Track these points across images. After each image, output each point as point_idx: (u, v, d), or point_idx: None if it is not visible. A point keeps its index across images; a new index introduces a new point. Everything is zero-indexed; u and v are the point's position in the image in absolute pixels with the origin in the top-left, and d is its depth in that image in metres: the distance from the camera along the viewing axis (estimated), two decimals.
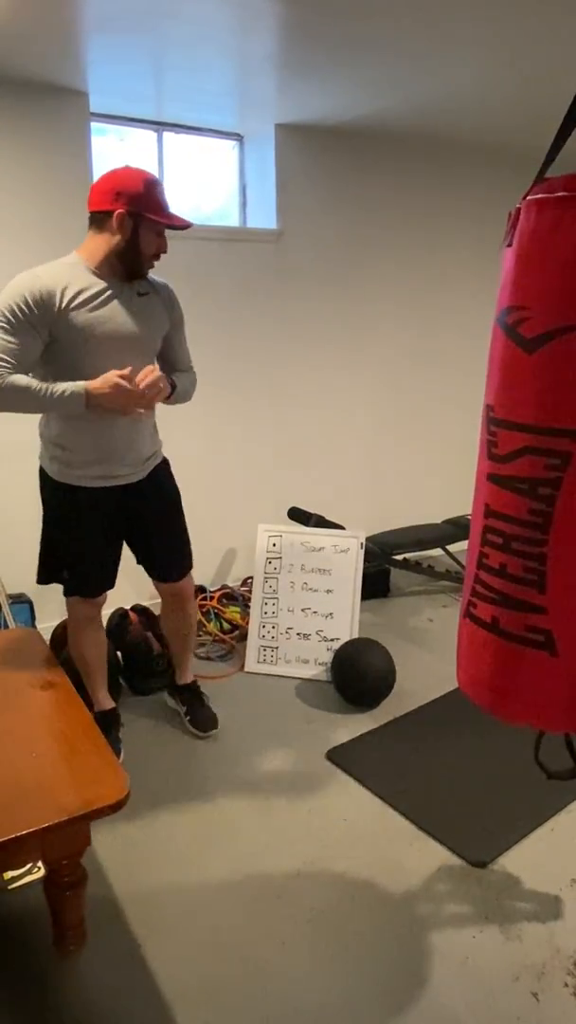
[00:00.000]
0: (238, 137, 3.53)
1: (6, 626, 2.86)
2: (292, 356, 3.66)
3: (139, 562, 2.36)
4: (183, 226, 2.00)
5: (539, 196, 1.27)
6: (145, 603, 3.18)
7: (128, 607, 3.03)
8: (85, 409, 1.94)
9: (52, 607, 3.09)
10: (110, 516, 2.20)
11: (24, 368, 1.93)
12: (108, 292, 1.99)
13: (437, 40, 2.36)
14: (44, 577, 2.29)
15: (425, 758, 2.39)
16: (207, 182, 3.56)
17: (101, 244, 1.98)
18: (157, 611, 3.21)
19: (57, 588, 3.09)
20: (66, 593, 2.29)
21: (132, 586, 2.87)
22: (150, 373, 1.99)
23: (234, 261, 3.39)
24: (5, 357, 1.89)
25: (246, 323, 3.48)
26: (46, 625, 3.03)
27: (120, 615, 2.97)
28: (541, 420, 1.33)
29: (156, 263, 2.06)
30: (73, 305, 1.93)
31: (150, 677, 2.74)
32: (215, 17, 2.17)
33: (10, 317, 1.89)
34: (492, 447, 1.41)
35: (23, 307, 1.89)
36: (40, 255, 2.88)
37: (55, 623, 2.99)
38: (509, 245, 1.36)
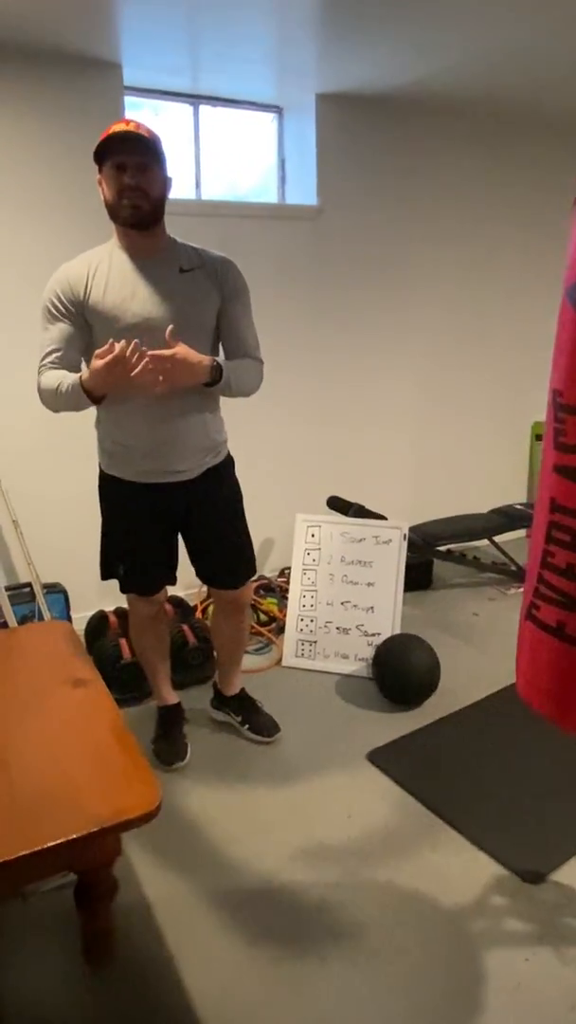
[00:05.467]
0: (277, 109, 3.39)
1: (40, 617, 2.81)
2: (332, 338, 3.53)
3: (192, 563, 2.23)
4: (120, 133, 1.75)
5: None
6: (180, 593, 3.11)
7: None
8: (91, 400, 1.82)
9: (87, 597, 3.04)
10: (160, 513, 2.08)
11: (70, 363, 1.90)
12: (140, 271, 1.88)
13: None
14: (104, 572, 2.19)
15: (472, 762, 2.27)
16: (245, 157, 3.43)
17: None
18: (192, 601, 3.15)
19: (92, 577, 3.06)
20: (122, 589, 2.19)
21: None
22: (170, 348, 1.76)
23: (272, 239, 3.26)
24: (42, 353, 1.91)
25: (284, 303, 3.36)
26: (81, 614, 2.99)
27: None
28: None
29: (137, 201, 1.80)
30: (100, 290, 1.87)
31: (184, 670, 2.67)
32: None
33: (46, 309, 1.90)
34: (560, 436, 1.27)
35: (55, 300, 1.89)
36: (72, 231, 2.82)
37: (90, 612, 2.95)
38: None
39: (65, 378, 1.84)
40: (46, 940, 1.68)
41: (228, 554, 2.19)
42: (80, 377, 1.80)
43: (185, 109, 3.19)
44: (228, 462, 2.15)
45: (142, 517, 2.08)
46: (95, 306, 1.87)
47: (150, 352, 1.73)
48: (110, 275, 1.88)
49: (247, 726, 2.42)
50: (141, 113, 3.12)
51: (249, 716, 2.43)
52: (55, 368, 1.88)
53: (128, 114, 2.89)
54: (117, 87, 2.81)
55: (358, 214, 3.44)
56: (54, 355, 1.89)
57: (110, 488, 2.09)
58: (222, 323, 2.01)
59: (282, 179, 3.47)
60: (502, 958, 1.63)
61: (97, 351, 1.72)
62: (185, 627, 2.77)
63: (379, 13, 2.34)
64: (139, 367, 1.71)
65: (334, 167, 3.32)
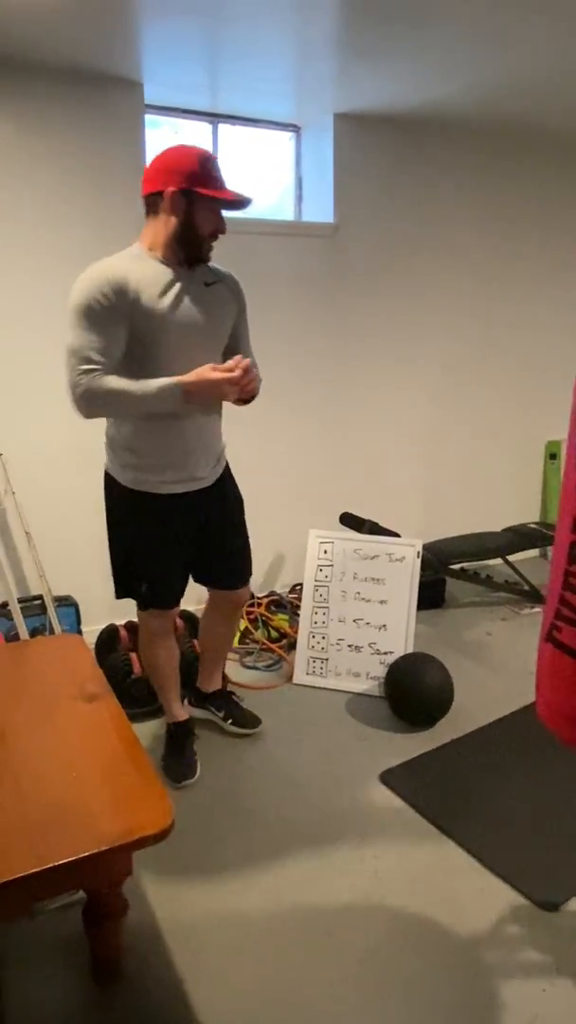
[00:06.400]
0: (295, 128, 3.42)
1: (51, 630, 2.80)
2: (347, 354, 3.53)
3: (199, 568, 2.24)
4: (238, 200, 1.86)
5: None
6: (191, 608, 3.09)
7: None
8: (182, 404, 1.86)
9: (98, 609, 3.03)
10: (187, 523, 2.09)
11: (114, 366, 1.84)
12: (177, 282, 1.89)
13: (517, 14, 2.20)
14: (122, 592, 2.16)
15: (487, 785, 2.23)
16: (262, 175, 3.45)
17: (159, 229, 1.88)
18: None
19: (103, 591, 3.04)
20: (143, 607, 2.16)
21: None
22: (242, 362, 1.86)
23: (289, 255, 3.28)
24: (94, 356, 1.79)
25: (300, 319, 3.37)
26: (92, 628, 2.98)
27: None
28: None
29: (215, 245, 1.94)
30: (147, 295, 1.84)
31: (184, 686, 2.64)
32: None
33: (92, 310, 1.79)
34: None
35: (101, 298, 1.78)
36: (91, 249, 2.81)
37: (101, 626, 2.93)
38: None
39: (146, 382, 1.82)
40: (54, 959, 1.65)
41: (238, 555, 2.24)
42: (180, 381, 1.82)
43: (204, 127, 3.22)
44: (228, 465, 2.23)
45: (172, 529, 2.07)
46: (145, 310, 1.83)
47: (243, 363, 1.86)
48: (152, 282, 1.86)
49: (230, 720, 2.46)
50: (161, 131, 3.15)
51: (231, 711, 2.48)
52: (106, 372, 1.81)
53: (148, 132, 2.91)
54: (138, 105, 2.83)
55: (374, 232, 3.45)
56: (101, 357, 1.80)
57: (137, 505, 2.04)
58: (232, 334, 2.10)
59: (299, 197, 3.49)
60: (518, 988, 1.59)
61: (215, 365, 1.86)
62: (196, 642, 2.75)
63: (396, 34, 2.36)
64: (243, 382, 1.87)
65: (351, 185, 3.34)
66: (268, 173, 3.47)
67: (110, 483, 2.08)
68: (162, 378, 1.84)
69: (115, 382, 1.81)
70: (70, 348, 1.80)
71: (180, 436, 1.96)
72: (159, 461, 1.98)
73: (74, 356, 1.79)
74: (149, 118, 2.96)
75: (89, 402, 1.81)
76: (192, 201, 1.83)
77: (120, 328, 1.82)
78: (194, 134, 3.22)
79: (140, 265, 1.87)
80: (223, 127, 3.24)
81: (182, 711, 2.39)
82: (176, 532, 2.08)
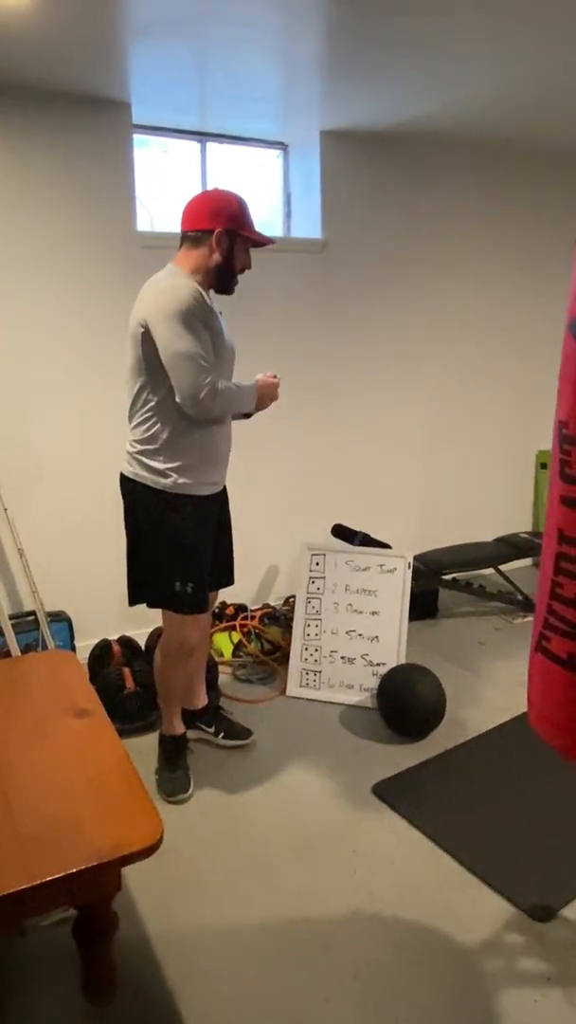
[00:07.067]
0: (282, 146, 3.46)
1: (44, 645, 2.80)
2: (337, 368, 3.56)
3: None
4: (269, 243, 2.13)
5: None
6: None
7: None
8: (254, 406, 2.14)
9: (91, 625, 3.03)
10: (215, 522, 2.23)
11: None
12: (214, 306, 2.08)
13: (498, 37, 2.24)
14: (155, 599, 2.18)
15: (480, 795, 2.24)
16: (251, 193, 3.48)
17: (200, 261, 2.06)
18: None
19: (96, 606, 3.05)
20: (186, 610, 2.15)
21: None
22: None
23: (278, 271, 3.31)
24: (208, 357, 1.98)
25: (290, 334, 3.40)
26: (85, 643, 2.98)
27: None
28: None
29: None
30: (214, 310, 2.06)
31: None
32: (260, 19, 2.10)
33: (194, 315, 1.95)
34: (565, 467, 1.28)
35: (197, 305, 1.96)
36: (81, 269, 2.86)
37: (94, 641, 2.93)
38: None
39: (238, 384, 2.10)
40: (46, 976, 1.65)
41: (231, 554, 2.38)
42: (256, 385, 2.13)
43: (193, 146, 3.26)
44: None
45: (211, 528, 2.20)
46: (215, 322, 2.04)
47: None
48: (209, 302, 2.06)
49: (221, 734, 2.49)
50: (149, 151, 3.19)
51: (223, 725, 2.51)
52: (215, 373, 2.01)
53: (136, 151, 2.94)
54: (126, 125, 2.86)
55: (362, 247, 3.49)
56: (210, 358, 1.99)
57: (180, 508, 2.09)
58: None
59: (287, 213, 3.53)
60: (511, 999, 1.59)
61: (272, 373, 2.20)
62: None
63: (381, 55, 2.39)
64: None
65: (338, 201, 3.38)
66: (257, 190, 3.51)
67: (140, 490, 2.11)
68: (244, 382, 2.12)
69: (225, 383, 2.03)
70: (186, 352, 1.94)
71: (214, 441, 2.11)
72: (201, 464, 2.09)
73: (192, 360, 1.94)
74: (137, 137, 2.99)
75: (213, 401, 1.98)
76: (233, 241, 2.06)
77: (207, 335, 2.00)
78: (182, 153, 3.25)
79: (197, 285, 2.03)
80: (211, 145, 3.28)
81: (181, 725, 2.39)
82: (211, 530, 2.21)
